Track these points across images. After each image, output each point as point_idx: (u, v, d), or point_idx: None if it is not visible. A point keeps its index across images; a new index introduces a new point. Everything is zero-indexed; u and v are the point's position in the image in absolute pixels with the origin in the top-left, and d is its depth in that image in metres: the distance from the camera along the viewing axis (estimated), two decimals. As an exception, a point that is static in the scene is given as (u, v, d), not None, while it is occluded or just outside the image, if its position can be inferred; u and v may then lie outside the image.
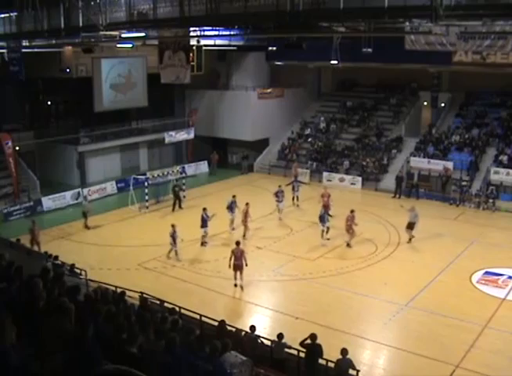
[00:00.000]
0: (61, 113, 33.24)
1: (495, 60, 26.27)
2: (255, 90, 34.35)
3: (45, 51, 26.23)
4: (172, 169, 28.59)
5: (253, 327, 11.99)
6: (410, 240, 21.27)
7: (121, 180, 29.61)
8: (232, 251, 17.19)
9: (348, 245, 20.79)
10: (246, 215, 21.51)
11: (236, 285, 17.28)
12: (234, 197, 22.52)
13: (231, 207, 22.30)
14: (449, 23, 14.75)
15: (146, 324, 6.90)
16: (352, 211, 20.83)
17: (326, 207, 22.47)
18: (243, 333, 11.97)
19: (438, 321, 15.23)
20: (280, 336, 11.58)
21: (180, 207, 26.12)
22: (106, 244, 21.36)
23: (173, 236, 19.36)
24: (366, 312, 16.01)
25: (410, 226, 21.15)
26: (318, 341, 11.03)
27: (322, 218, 21.45)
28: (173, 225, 19.55)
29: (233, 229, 22.48)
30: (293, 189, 26.52)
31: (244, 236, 21.44)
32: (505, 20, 15.11)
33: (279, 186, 24.43)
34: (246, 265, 17.12)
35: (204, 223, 20.86)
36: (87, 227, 23.25)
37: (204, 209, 21.05)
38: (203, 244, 21.13)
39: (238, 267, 17.07)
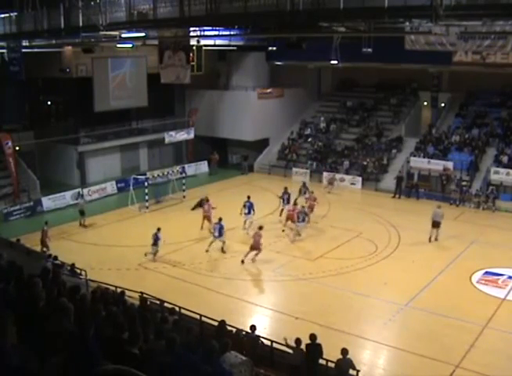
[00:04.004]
0: (61, 113, 33.22)
1: (495, 60, 26.28)
2: (255, 90, 34.34)
3: (45, 51, 26.22)
4: (172, 169, 28.60)
5: (253, 327, 11.98)
6: (436, 238, 21.31)
7: (121, 180, 29.60)
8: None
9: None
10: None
11: (242, 261, 19.00)
12: (249, 197, 22.48)
13: (247, 208, 22.16)
14: (449, 23, 14.76)
15: (146, 324, 6.90)
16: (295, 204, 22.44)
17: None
18: (243, 333, 11.97)
19: (438, 321, 15.24)
20: (298, 342, 11.16)
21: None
22: (106, 244, 21.35)
23: (156, 238, 19.43)
24: (366, 312, 16.01)
25: (435, 225, 21.18)
26: (318, 341, 11.02)
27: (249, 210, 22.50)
28: (159, 229, 19.59)
29: (245, 229, 22.16)
30: (299, 192, 25.99)
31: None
32: (505, 20, 15.14)
33: (285, 188, 24.41)
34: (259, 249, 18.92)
35: (249, 211, 21.77)
36: (84, 226, 23.31)
37: (248, 197, 22.13)
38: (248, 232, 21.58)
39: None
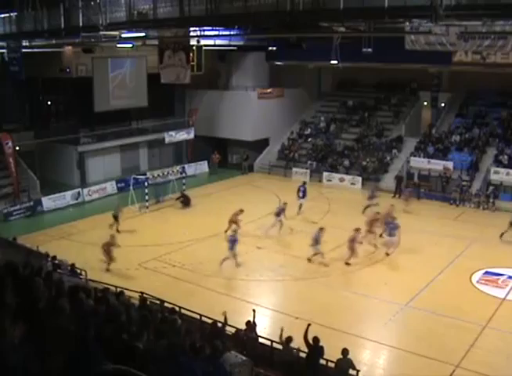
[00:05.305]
0: (61, 113, 33.19)
1: (495, 60, 26.22)
2: (255, 90, 34.35)
3: (45, 51, 26.22)
4: (172, 169, 28.60)
5: (249, 323, 11.98)
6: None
7: (121, 180, 29.60)
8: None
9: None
10: (354, 240, 19.14)
11: (347, 264, 18.95)
12: (285, 204, 22.47)
13: (279, 213, 22.03)
14: (449, 23, 14.75)
15: (146, 324, 6.89)
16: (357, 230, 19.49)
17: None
18: (243, 333, 11.94)
19: (438, 321, 15.23)
20: (289, 340, 11.34)
21: None
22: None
23: (233, 240, 18.49)
24: (366, 312, 16.00)
25: None
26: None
27: (279, 214, 21.96)
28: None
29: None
30: (369, 198, 25.32)
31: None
32: (505, 20, 15.13)
33: (304, 182, 25.45)
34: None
35: (278, 214, 21.81)
36: (117, 231, 22.47)
37: (285, 203, 22.35)
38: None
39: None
